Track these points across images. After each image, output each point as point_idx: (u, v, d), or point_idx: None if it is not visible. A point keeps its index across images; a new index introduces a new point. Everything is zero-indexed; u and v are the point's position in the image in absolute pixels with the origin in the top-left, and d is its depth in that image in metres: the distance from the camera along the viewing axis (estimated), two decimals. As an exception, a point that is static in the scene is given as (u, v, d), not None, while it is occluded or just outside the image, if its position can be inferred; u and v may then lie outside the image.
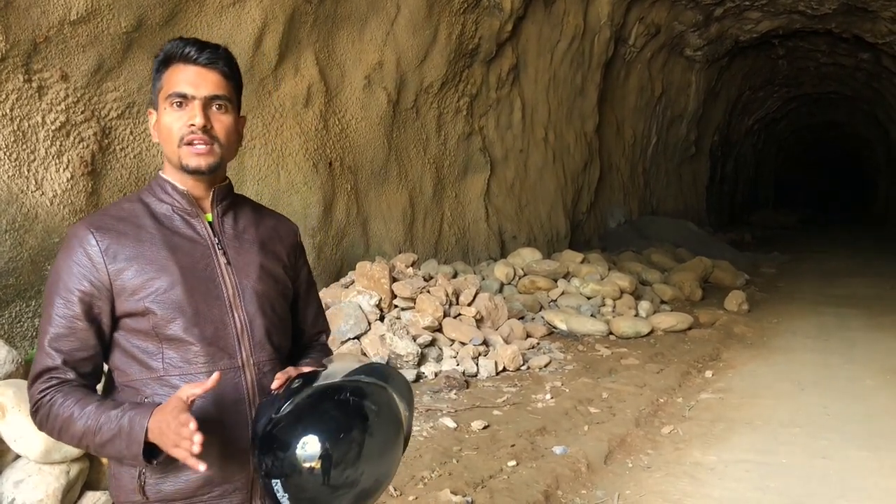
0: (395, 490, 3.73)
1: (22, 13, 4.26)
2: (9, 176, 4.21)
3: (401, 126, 8.17)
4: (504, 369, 6.13)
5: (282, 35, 6.27)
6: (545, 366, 6.35)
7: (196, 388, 1.44)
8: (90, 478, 3.31)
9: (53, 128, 4.47)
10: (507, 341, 6.58)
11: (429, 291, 6.57)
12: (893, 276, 12.50)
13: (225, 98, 1.63)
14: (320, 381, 1.56)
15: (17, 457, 3.19)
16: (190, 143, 1.59)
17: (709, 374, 6.55)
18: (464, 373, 5.84)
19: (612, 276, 8.81)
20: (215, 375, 1.45)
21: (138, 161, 5.11)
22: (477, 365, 6.01)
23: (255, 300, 1.66)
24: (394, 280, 6.57)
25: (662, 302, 9.32)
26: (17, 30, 4.24)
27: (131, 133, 5.07)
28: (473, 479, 3.92)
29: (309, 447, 1.46)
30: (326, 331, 1.95)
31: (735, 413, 5.50)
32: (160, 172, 1.69)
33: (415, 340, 5.93)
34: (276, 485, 1.46)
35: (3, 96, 4.22)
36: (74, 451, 3.15)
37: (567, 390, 5.68)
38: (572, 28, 11.00)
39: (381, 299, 6.32)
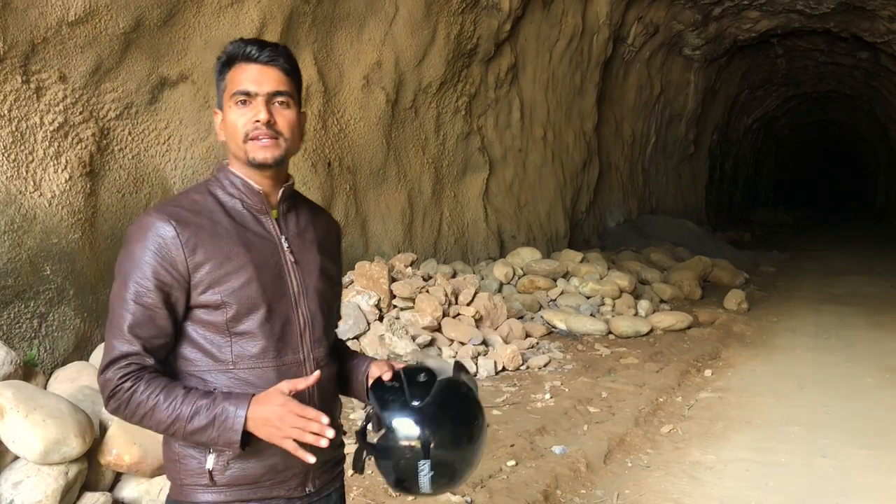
0: (393, 493, 3.73)
1: (20, 14, 4.25)
2: (7, 177, 4.21)
3: (399, 126, 8.17)
4: (503, 369, 6.13)
5: (280, 35, 6.26)
6: (544, 365, 6.35)
7: (300, 383, 1.56)
8: (89, 479, 3.31)
9: (52, 129, 4.46)
10: (506, 341, 6.58)
11: (428, 291, 6.57)
12: (893, 274, 12.51)
13: (286, 94, 1.67)
14: (441, 377, 1.77)
15: (16, 458, 3.19)
16: (255, 138, 1.64)
17: (708, 373, 6.55)
18: (463, 372, 5.83)
19: (612, 276, 8.81)
20: (316, 374, 1.60)
21: (136, 162, 5.10)
22: (476, 365, 6.01)
23: (316, 299, 1.73)
24: (393, 280, 6.57)
25: (662, 301, 9.32)
26: (14, 31, 4.24)
27: (130, 134, 5.07)
28: (473, 478, 3.92)
29: (456, 433, 1.72)
30: (339, 318, 2.01)
31: (734, 412, 5.50)
32: (227, 166, 1.72)
33: (414, 340, 5.93)
34: (424, 465, 1.67)
35: (2, 97, 4.21)
36: (73, 453, 3.15)
37: (566, 390, 5.68)
38: (571, 27, 10.99)
39: (380, 299, 6.32)
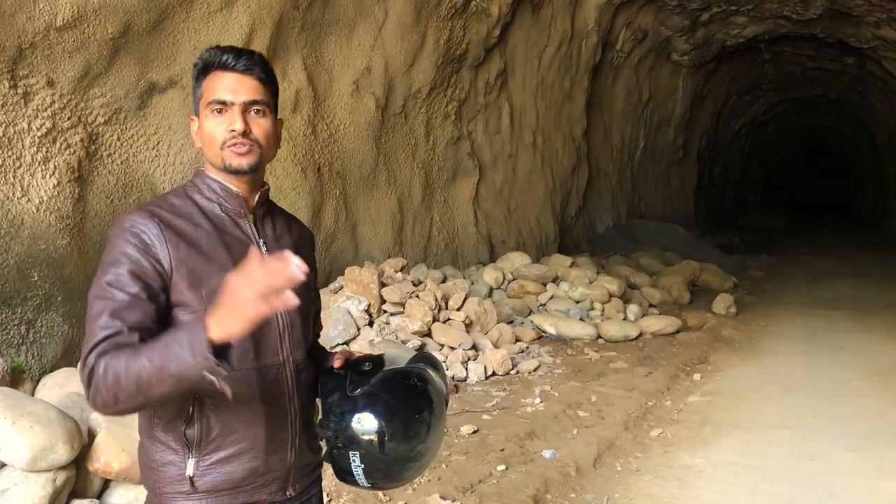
0: (384, 495, 3.73)
1: (7, 19, 4.24)
2: (-6, 182, 4.19)
3: (389, 131, 8.17)
4: (493, 373, 6.13)
5: (269, 40, 6.26)
6: (534, 370, 6.35)
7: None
8: (77, 486, 3.29)
9: (39, 134, 4.44)
10: (496, 345, 6.59)
11: (418, 296, 6.57)
12: (880, 277, 12.58)
13: (263, 102, 1.68)
14: (388, 366, 1.71)
15: (3, 465, 3.17)
16: (232, 146, 1.65)
17: (697, 377, 6.57)
18: (453, 377, 5.84)
19: (601, 280, 8.83)
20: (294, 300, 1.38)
21: (125, 167, 5.09)
22: (466, 369, 6.01)
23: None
24: (383, 285, 6.56)
25: (651, 305, 9.35)
26: (2, 35, 4.22)
27: (118, 139, 5.05)
28: (463, 483, 3.92)
29: (390, 425, 1.61)
30: (321, 327, 1.99)
31: (723, 415, 5.52)
32: (204, 170, 1.72)
33: (404, 345, 5.93)
34: (355, 457, 1.60)
35: (-11, 102, 4.20)
36: (61, 460, 3.13)
37: (556, 394, 5.69)
38: (560, 33, 11.04)
39: (370, 304, 6.31)
